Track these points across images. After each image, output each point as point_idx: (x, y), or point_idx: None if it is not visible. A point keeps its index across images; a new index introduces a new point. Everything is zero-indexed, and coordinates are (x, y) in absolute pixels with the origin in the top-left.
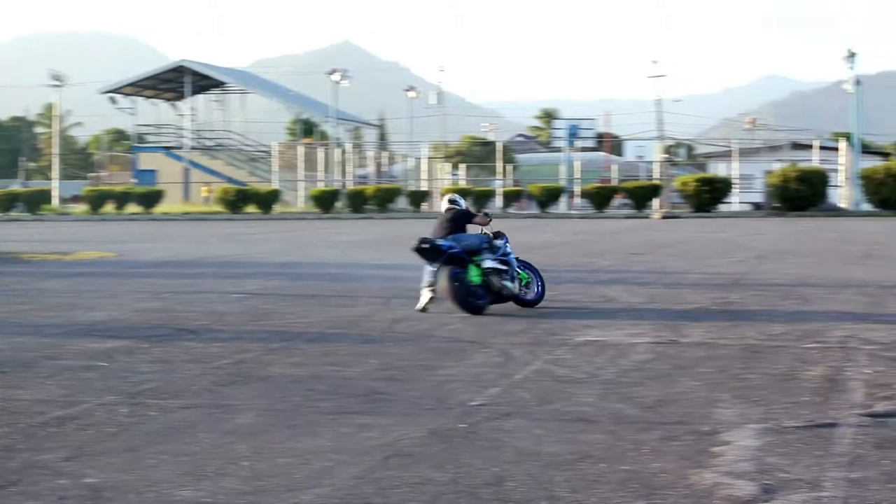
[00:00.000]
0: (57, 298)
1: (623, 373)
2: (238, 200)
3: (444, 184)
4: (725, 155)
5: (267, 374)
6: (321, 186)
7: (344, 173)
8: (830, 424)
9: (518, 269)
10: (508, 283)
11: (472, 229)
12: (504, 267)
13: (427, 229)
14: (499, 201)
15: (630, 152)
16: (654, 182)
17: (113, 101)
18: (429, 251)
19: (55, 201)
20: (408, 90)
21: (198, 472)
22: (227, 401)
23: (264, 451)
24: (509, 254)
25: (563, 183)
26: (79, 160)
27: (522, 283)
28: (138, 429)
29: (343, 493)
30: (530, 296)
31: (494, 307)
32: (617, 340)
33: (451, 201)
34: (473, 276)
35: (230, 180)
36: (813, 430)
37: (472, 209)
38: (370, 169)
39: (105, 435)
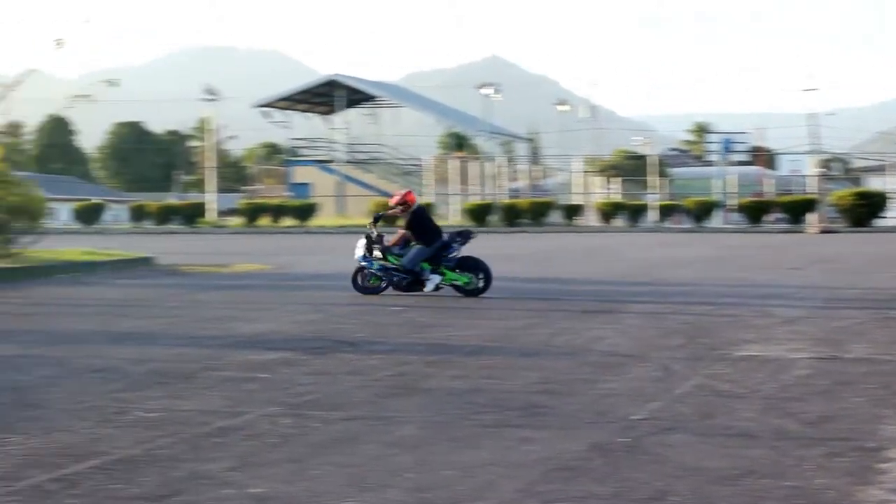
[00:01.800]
0: (216, 310)
1: (784, 388)
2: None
3: (596, 198)
4: (881, 169)
5: (427, 386)
6: (474, 200)
7: (497, 187)
8: None
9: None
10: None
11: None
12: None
13: (579, 241)
14: (653, 215)
15: (784, 166)
16: (810, 196)
17: (266, 115)
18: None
19: (211, 214)
20: (558, 104)
21: (361, 483)
22: (389, 413)
23: (427, 463)
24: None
25: (717, 197)
26: (233, 173)
27: (461, 282)
28: (301, 440)
29: None
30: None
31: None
32: (777, 355)
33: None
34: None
35: (383, 193)
36: None
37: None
38: (523, 183)
39: (268, 446)
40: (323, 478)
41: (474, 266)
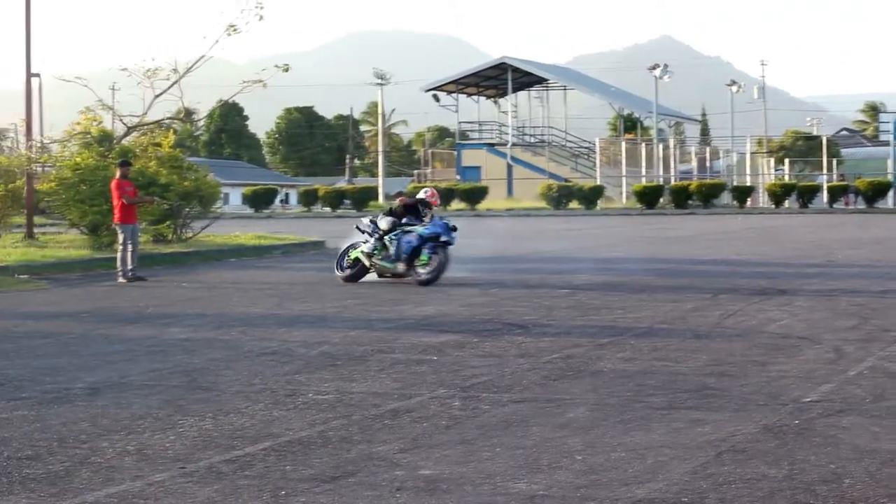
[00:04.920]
0: (386, 293)
1: None
2: (561, 196)
3: (767, 179)
4: None
5: (597, 368)
6: (644, 182)
7: (667, 169)
8: None
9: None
10: (383, 263)
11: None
12: (367, 250)
13: (749, 222)
14: (824, 196)
15: None
16: None
17: (436, 98)
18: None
19: (380, 198)
20: (730, 84)
21: (532, 465)
22: (559, 395)
23: (597, 444)
24: (402, 239)
25: (890, 177)
26: (402, 157)
27: (420, 264)
28: (471, 422)
29: (677, 488)
30: (422, 275)
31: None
32: None
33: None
34: (353, 253)
35: (553, 176)
36: None
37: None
38: (693, 164)
39: (439, 427)
40: (493, 459)
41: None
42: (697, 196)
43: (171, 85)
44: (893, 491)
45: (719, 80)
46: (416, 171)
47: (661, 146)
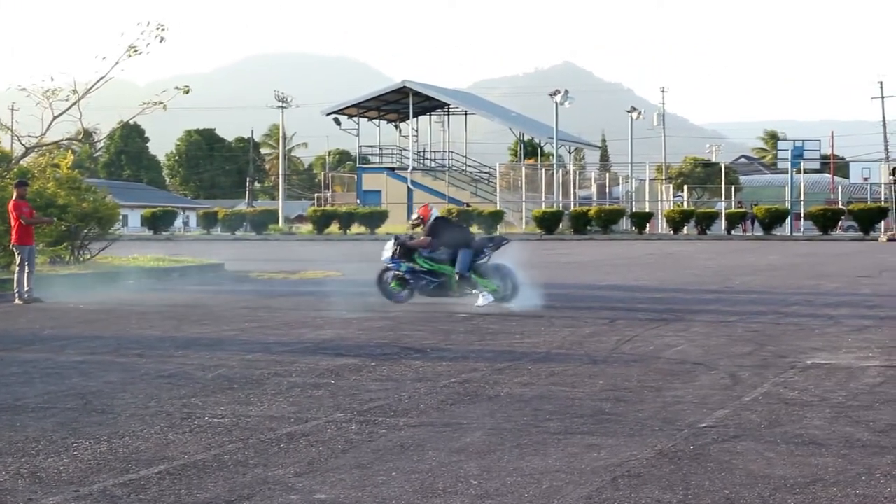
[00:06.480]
0: (284, 317)
1: (853, 396)
2: (461, 221)
3: (666, 205)
4: None
5: (494, 393)
6: (544, 207)
7: (567, 194)
8: None
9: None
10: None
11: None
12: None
13: (648, 248)
14: (722, 223)
15: (856, 174)
16: (881, 205)
17: (337, 122)
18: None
19: (280, 221)
20: (630, 111)
21: (427, 489)
22: (455, 419)
23: (493, 469)
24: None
25: (787, 205)
26: (303, 181)
27: (489, 289)
28: (367, 446)
29: None
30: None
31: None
32: (846, 364)
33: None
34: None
35: (453, 201)
36: None
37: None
38: (592, 190)
39: (335, 451)
40: (388, 483)
41: (504, 274)
42: (597, 222)
43: (71, 106)
44: None
45: (620, 107)
46: (316, 195)
47: (561, 171)
